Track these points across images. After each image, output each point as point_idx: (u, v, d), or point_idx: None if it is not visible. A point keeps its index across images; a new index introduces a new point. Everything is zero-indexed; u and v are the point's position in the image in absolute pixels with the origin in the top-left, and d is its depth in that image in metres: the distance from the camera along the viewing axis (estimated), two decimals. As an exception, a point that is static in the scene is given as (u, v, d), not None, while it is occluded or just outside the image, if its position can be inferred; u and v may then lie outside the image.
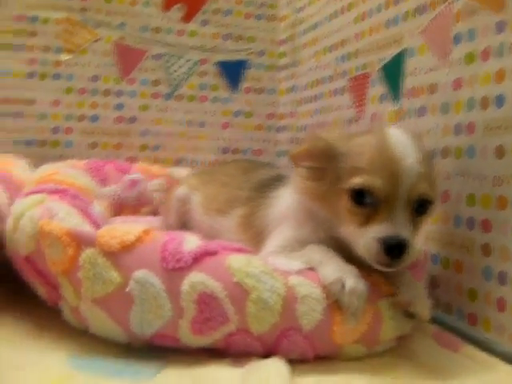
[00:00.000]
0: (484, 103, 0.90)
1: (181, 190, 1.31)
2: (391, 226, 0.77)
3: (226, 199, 1.16)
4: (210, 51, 1.88)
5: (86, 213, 0.99)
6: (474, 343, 0.87)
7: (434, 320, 0.94)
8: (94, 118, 1.81)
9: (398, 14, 1.17)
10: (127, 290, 0.77)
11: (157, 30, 1.84)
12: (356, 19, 1.36)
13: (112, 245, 0.80)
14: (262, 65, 1.92)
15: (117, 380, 0.70)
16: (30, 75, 1.76)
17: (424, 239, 1.01)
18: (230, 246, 0.84)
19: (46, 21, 1.76)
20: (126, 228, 0.83)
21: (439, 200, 0.92)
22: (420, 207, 0.80)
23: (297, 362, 0.77)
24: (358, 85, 1.33)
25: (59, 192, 1.02)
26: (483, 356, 0.83)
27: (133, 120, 1.84)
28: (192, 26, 1.87)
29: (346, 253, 0.84)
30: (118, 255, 0.79)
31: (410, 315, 0.83)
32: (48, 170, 1.27)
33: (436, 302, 0.97)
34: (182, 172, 1.65)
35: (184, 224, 1.29)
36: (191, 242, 0.83)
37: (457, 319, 0.95)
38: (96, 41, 1.80)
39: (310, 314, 0.78)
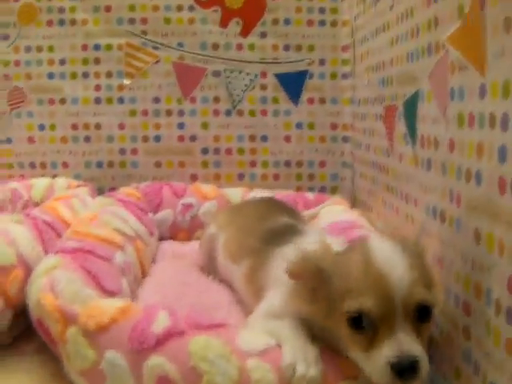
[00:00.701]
0: (467, 176, 0.85)
1: (211, 229, 1.38)
2: (398, 346, 0.73)
3: (238, 246, 1.22)
4: (269, 64, 1.91)
5: (92, 274, 1.09)
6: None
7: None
8: (158, 138, 1.94)
9: (417, 48, 1.11)
10: (100, 367, 0.87)
11: (215, 46, 1.91)
12: (392, 42, 1.31)
13: (89, 325, 0.90)
14: (324, 74, 1.92)
15: None
16: (97, 101, 1.93)
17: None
18: (199, 324, 0.90)
19: (108, 47, 1.91)
20: (104, 308, 0.93)
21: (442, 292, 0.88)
22: (422, 315, 0.77)
23: None
24: (389, 116, 1.30)
25: (75, 251, 1.14)
26: None
27: (194, 138, 1.94)
28: (250, 39, 1.91)
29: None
30: (93, 335, 0.89)
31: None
32: (92, 212, 1.42)
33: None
34: (235, 192, 1.73)
35: (211, 261, 1.36)
36: (161, 322, 0.90)
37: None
38: (156, 62, 1.92)
39: (261, 397, 0.82)
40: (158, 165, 1.95)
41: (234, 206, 1.58)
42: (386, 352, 0.73)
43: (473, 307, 0.82)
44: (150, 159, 1.94)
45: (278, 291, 0.97)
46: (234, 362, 0.83)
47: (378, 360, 0.74)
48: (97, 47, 1.91)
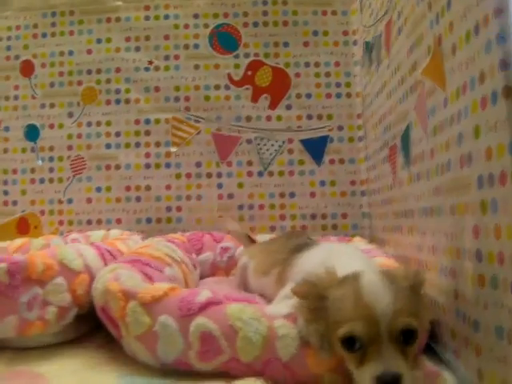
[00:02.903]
0: (441, 170, 1.09)
1: (242, 260, 1.63)
2: (382, 364, 0.83)
3: (269, 262, 1.45)
4: (294, 131, 2.20)
5: (148, 276, 1.33)
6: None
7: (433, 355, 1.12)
8: (199, 197, 2.21)
9: (405, 90, 1.39)
10: (154, 329, 1.09)
11: (248, 118, 2.22)
12: (387, 96, 1.60)
13: (146, 298, 1.13)
14: (343, 138, 2.19)
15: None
16: (147, 166, 2.23)
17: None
18: (234, 297, 1.13)
19: (157, 121, 2.24)
20: (159, 286, 1.17)
21: (429, 318, 1.02)
22: (406, 338, 0.87)
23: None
24: (392, 154, 1.55)
25: (133, 261, 1.39)
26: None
27: (231, 196, 2.20)
28: (278, 111, 2.21)
29: None
30: (149, 305, 1.12)
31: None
32: (145, 243, 1.67)
33: (437, 342, 1.15)
34: (265, 238, 1.95)
35: (245, 285, 1.59)
36: (203, 295, 1.12)
37: (447, 354, 1.10)
38: (198, 133, 2.22)
39: (287, 348, 1.01)
40: (199, 221, 2.21)
41: (263, 242, 1.82)
42: (372, 368, 0.84)
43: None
44: (192, 215, 2.21)
45: (293, 283, 1.19)
46: (263, 322, 1.04)
47: (366, 375, 0.84)
48: (147, 121, 2.24)
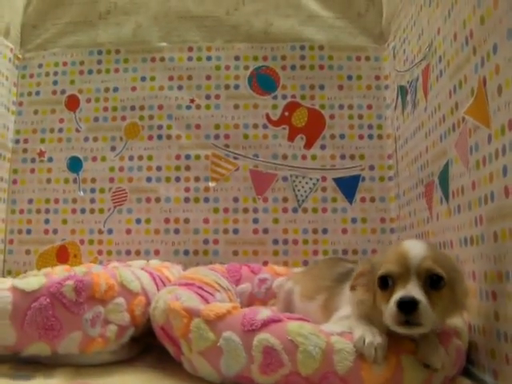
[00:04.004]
0: (485, 199, 1.21)
1: (287, 285, 1.72)
2: (405, 292, 1.04)
3: (314, 288, 1.54)
4: (328, 170, 2.32)
5: (204, 297, 1.44)
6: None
7: (467, 375, 1.22)
8: (236, 231, 2.31)
9: (445, 130, 1.52)
10: (218, 344, 1.19)
11: (284, 156, 2.34)
12: (426, 135, 1.72)
13: (210, 315, 1.23)
14: (374, 177, 2.31)
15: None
16: (186, 200, 2.34)
17: (463, 314, 1.29)
18: (293, 316, 1.23)
19: (197, 157, 2.36)
20: (222, 304, 1.27)
21: (460, 286, 1.14)
22: (433, 283, 1.07)
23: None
24: (428, 190, 1.67)
25: (188, 285, 1.50)
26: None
27: (266, 231, 2.30)
28: (313, 151, 2.34)
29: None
30: (213, 322, 1.22)
31: (426, 366, 1.12)
32: (191, 271, 1.78)
33: (471, 362, 1.25)
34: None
35: (289, 311, 1.68)
36: (264, 313, 1.22)
37: (485, 375, 1.20)
38: (236, 170, 2.34)
39: (343, 362, 1.11)
40: (235, 253, 2.29)
41: (307, 267, 1.92)
42: (396, 296, 1.05)
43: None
44: (229, 248, 2.30)
45: (346, 309, 1.30)
46: (321, 337, 1.14)
47: (391, 303, 1.05)
48: (188, 157, 2.36)
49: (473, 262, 1.28)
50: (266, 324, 1.19)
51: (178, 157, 2.37)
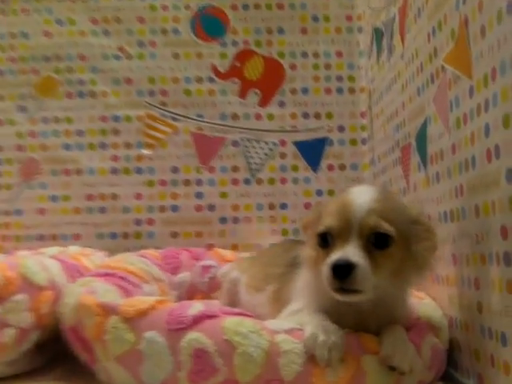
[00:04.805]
0: (466, 166, 1.19)
1: (233, 273, 1.70)
2: (341, 254, 1.06)
3: (263, 277, 1.52)
4: (288, 132, 2.30)
5: (127, 290, 1.40)
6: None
7: (449, 380, 1.21)
8: (175, 208, 2.29)
9: (423, 81, 1.50)
10: (139, 347, 1.15)
11: (234, 116, 2.32)
12: (402, 88, 1.70)
13: (129, 312, 1.20)
14: (343, 140, 2.31)
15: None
16: (114, 171, 2.30)
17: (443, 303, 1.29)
18: (230, 311, 1.20)
19: (127, 119, 2.32)
20: (144, 298, 1.24)
21: (421, 242, 1.14)
22: (378, 241, 1.08)
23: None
24: (405, 155, 1.65)
25: (107, 275, 1.46)
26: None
27: (212, 208, 2.29)
28: (269, 109, 2.32)
29: (346, 319, 1.15)
30: (133, 320, 1.18)
31: (391, 368, 1.11)
32: (115, 258, 1.74)
33: (453, 364, 1.24)
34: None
35: (234, 305, 1.66)
36: (195, 308, 1.20)
37: (469, 380, 1.19)
38: (175, 133, 2.31)
39: (290, 366, 1.08)
40: (174, 235, 2.27)
41: (256, 252, 1.90)
42: (331, 258, 1.06)
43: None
44: (166, 230, 2.28)
45: (299, 301, 1.27)
46: (264, 336, 1.11)
47: (325, 266, 1.07)
48: (116, 118, 2.32)
49: (453, 242, 1.27)
50: (197, 321, 1.16)
51: (103, 118, 2.33)
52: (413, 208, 1.20)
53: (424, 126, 1.49)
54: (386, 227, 1.09)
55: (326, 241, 1.12)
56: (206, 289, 1.99)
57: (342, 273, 1.05)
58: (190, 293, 1.97)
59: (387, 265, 1.10)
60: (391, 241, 1.09)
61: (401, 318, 1.20)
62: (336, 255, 1.06)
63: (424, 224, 1.16)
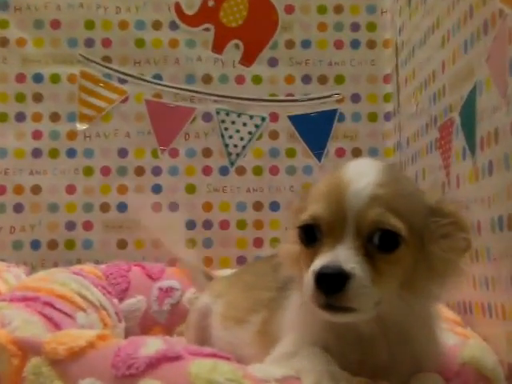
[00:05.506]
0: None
1: (202, 299, 1.70)
2: (328, 256, 1.02)
3: (246, 305, 1.53)
4: (282, 102, 2.31)
5: (53, 322, 1.41)
6: None
7: None
8: (122, 207, 2.29)
9: (473, 31, 1.50)
10: (72, 401, 1.16)
11: (206, 79, 2.32)
12: (443, 41, 1.71)
13: (58, 352, 1.19)
14: (359, 115, 2.32)
15: None
16: (35, 153, 2.30)
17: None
18: (199, 351, 1.21)
19: (54, 78, 2.32)
20: (79, 332, 1.24)
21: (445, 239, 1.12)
22: (383, 242, 1.05)
23: None
24: (445, 136, 1.66)
25: (27, 299, 1.46)
26: None
27: (175, 207, 2.29)
28: (256, 68, 2.33)
29: (358, 352, 1.16)
30: (64, 363, 1.18)
31: None
32: (37, 276, 1.74)
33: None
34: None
35: (204, 343, 1.66)
36: (151, 347, 1.20)
37: None
38: (123, 101, 2.31)
39: (286, 431, 1.10)
40: (121, 245, 2.28)
41: (233, 272, 1.90)
42: (316, 263, 1.02)
43: None
44: (110, 237, 2.28)
45: (292, 336, 1.28)
46: None
47: (309, 272, 1.03)
48: (38, 78, 2.31)
49: (506, 257, 1.28)
50: (154, 364, 1.15)
51: (20, 78, 2.33)
52: (431, 193, 1.18)
53: (472, 96, 1.49)
54: (395, 223, 1.04)
55: (311, 236, 1.10)
56: (166, 320, 2.00)
57: (330, 285, 1.01)
58: (144, 325, 1.98)
59: (394, 273, 1.07)
60: (401, 241, 1.05)
61: (424, 349, 1.17)
62: (322, 259, 1.03)
63: (447, 215, 1.13)
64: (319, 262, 1.02)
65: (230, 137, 2.31)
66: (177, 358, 1.17)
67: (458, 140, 1.60)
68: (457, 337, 1.39)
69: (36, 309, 1.44)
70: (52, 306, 1.50)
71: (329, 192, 1.08)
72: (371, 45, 2.34)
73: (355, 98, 2.32)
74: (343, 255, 1.02)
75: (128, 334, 1.94)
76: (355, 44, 2.34)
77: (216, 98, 2.32)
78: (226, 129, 2.31)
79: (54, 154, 2.31)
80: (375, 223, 1.03)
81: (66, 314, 1.51)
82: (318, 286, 1.01)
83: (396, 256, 1.05)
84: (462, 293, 1.49)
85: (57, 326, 1.42)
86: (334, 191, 1.07)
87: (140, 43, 2.34)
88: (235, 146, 2.31)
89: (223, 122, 2.31)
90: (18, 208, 2.29)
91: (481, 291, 1.43)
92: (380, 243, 1.04)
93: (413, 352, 1.15)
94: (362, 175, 1.08)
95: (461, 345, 1.34)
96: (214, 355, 1.21)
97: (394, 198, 1.07)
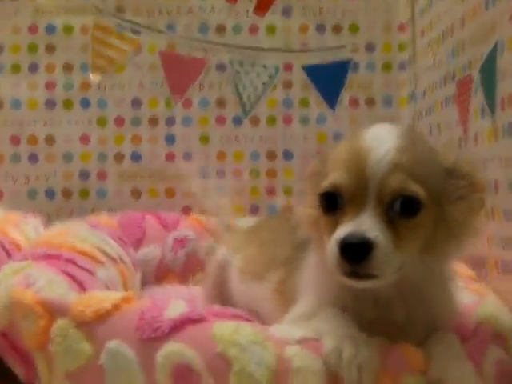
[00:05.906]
0: None
1: (221, 252, 1.72)
2: (353, 226, 1.04)
3: (264, 261, 1.55)
4: (295, 52, 2.31)
5: (77, 280, 1.43)
6: None
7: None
8: (137, 157, 2.31)
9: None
10: (99, 362, 1.18)
11: (219, 29, 2.32)
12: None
13: (86, 314, 1.21)
14: (373, 64, 2.32)
15: None
16: (49, 104, 2.31)
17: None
18: (222, 313, 1.23)
19: (67, 30, 2.31)
20: (104, 295, 1.26)
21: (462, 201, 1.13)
22: (405, 208, 1.07)
23: None
24: (463, 92, 1.66)
25: (50, 257, 1.48)
26: None
27: (188, 156, 2.31)
28: (269, 18, 2.32)
29: (364, 311, 1.18)
30: (91, 325, 1.20)
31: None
32: (56, 230, 1.75)
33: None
34: (247, 223, 1.98)
35: (222, 295, 1.68)
36: (175, 309, 1.22)
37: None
38: (137, 52, 2.32)
39: (305, 388, 1.12)
40: (135, 194, 2.30)
41: (249, 227, 1.91)
42: (339, 232, 1.05)
43: None
44: (124, 186, 2.30)
45: (309, 297, 1.30)
46: (269, 348, 1.11)
47: (332, 241, 1.06)
48: (50, 29, 2.30)
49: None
50: (178, 327, 1.17)
51: (32, 29, 2.33)
52: (447, 153, 1.18)
53: (493, 54, 1.48)
54: (416, 189, 1.07)
55: (332, 203, 1.11)
56: (181, 269, 2.02)
57: (355, 254, 1.04)
58: (160, 273, 2.00)
59: (415, 238, 1.10)
60: (421, 206, 1.08)
61: (440, 309, 1.20)
62: (346, 228, 1.05)
63: (464, 176, 1.15)
64: (343, 231, 1.04)
65: (244, 87, 2.30)
66: (200, 320, 1.19)
67: (476, 97, 1.60)
68: (472, 294, 1.40)
69: (59, 267, 1.46)
70: (74, 263, 1.52)
71: (349, 159, 1.10)
72: (387, -7, 2.31)
73: (370, 48, 2.32)
74: (366, 224, 1.04)
75: (143, 282, 1.97)
76: (370, -8, 2.31)
77: (229, 49, 2.32)
78: (239, 79, 2.31)
79: (67, 104, 2.32)
80: (397, 190, 1.05)
81: (87, 270, 1.54)
82: (343, 254, 1.03)
83: (417, 221, 1.08)
84: (477, 250, 1.51)
85: (80, 285, 1.44)
86: (354, 159, 1.09)
87: (153, -7, 2.31)
88: (249, 96, 2.31)
89: (237, 72, 2.31)
90: (33, 158, 2.31)
91: (496, 249, 1.45)
92: (401, 209, 1.06)
93: (429, 312, 1.17)
94: (381, 142, 1.10)
95: (476, 303, 1.35)
96: (236, 317, 1.23)
97: (414, 163, 1.09)
